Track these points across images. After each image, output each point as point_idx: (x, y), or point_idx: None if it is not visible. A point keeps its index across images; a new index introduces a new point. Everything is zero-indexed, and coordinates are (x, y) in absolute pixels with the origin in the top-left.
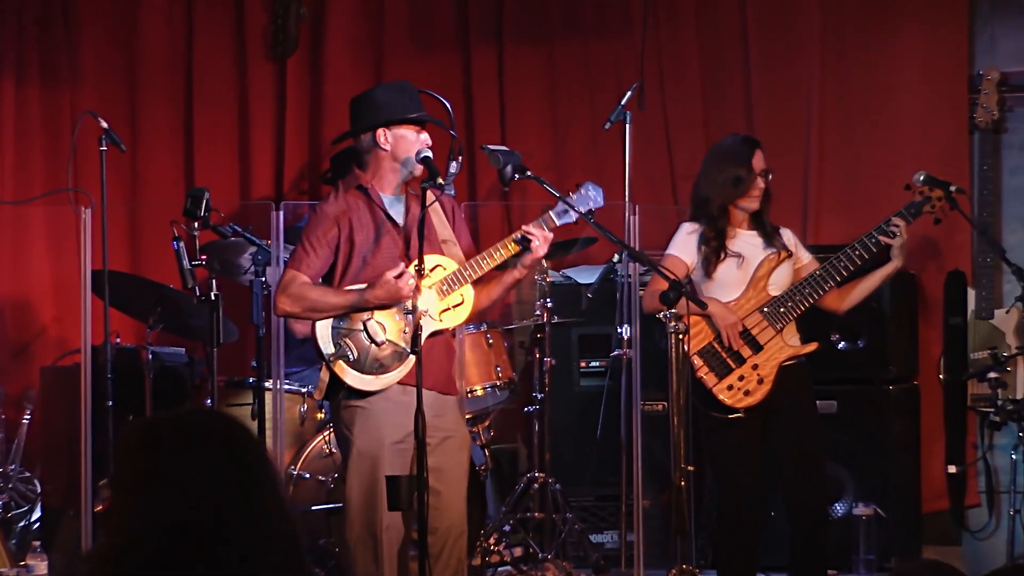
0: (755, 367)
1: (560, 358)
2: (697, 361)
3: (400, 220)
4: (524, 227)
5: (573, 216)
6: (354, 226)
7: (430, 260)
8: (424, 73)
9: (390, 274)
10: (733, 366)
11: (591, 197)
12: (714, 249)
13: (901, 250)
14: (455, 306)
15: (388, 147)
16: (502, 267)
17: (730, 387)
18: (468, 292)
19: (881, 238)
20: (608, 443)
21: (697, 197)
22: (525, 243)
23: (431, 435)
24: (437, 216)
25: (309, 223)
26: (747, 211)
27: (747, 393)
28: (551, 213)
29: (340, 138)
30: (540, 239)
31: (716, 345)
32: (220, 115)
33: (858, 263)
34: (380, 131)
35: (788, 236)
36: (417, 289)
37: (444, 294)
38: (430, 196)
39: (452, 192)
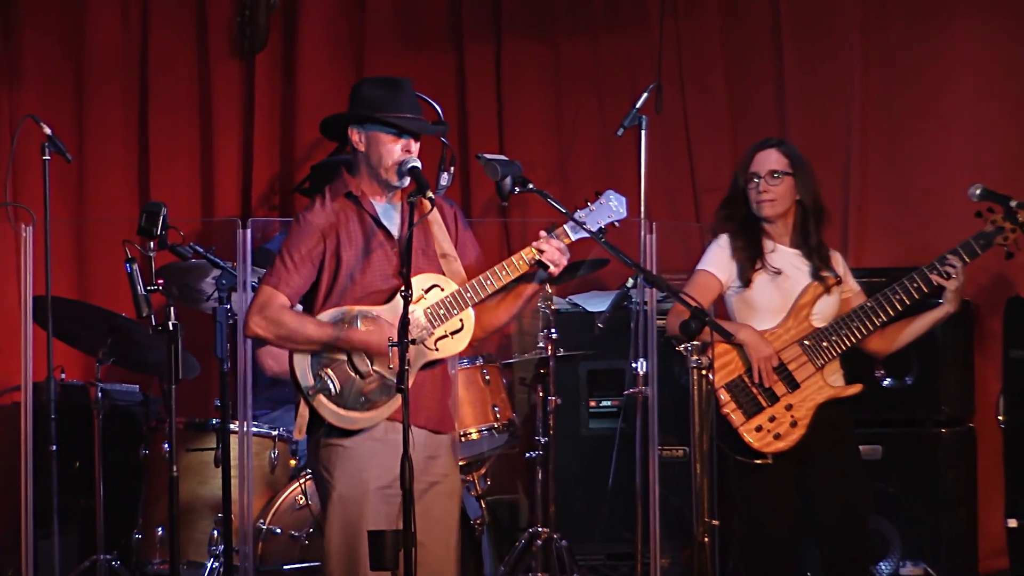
0: (789, 407)
1: (566, 397)
2: (724, 396)
3: (395, 231)
4: (535, 243)
5: (591, 229)
6: (342, 239)
7: (426, 279)
8: (412, 71)
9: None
10: (764, 404)
11: (612, 208)
12: (749, 258)
13: (956, 294)
14: (453, 333)
15: (362, 148)
16: (514, 283)
17: (759, 428)
18: (468, 317)
19: (934, 277)
20: (621, 493)
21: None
22: (540, 263)
23: (418, 479)
24: (437, 226)
25: (291, 233)
26: (759, 217)
27: (777, 437)
28: (566, 228)
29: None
30: (555, 253)
31: (746, 379)
32: (179, 120)
33: (916, 297)
34: (352, 129)
35: (838, 260)
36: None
37: (441, 319)
38: (427, 205)
39: None
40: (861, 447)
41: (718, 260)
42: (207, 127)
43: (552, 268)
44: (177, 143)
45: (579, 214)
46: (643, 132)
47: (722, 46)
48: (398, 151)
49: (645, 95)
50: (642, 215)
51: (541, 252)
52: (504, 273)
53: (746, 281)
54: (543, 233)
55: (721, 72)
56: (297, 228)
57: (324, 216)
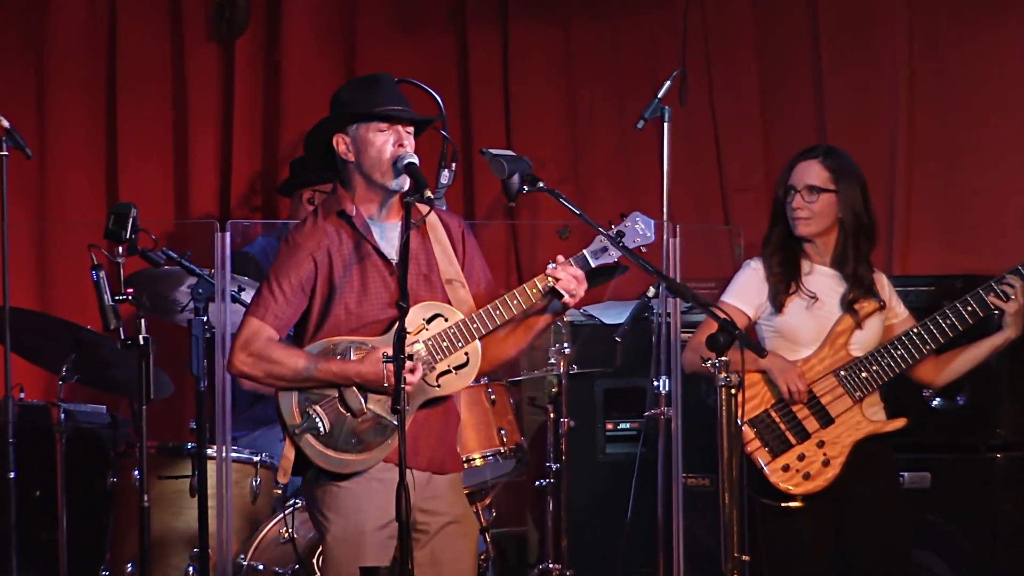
0: (821, 445)
1: (581, 418)
2: (748, 433)
3: (393, 255)
4: (549, 270)
5: (614, 256)
6: (335, 263)
7: (428, 308)
8: (409, 58)
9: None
10: (793, 442)
11: (638, 232)
12: (783, 280)
13: (1017, 318)
14: (457, 368)
15: (351, 157)
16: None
17: (786, 467)
18: (475, 351)
19: (991, 299)
20: (641, 526)
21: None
22: (555, 293)
23: (427, 519)
24: (440, 246)
25: (279, 257)
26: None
27: (807, 477)
28: (586, 253)
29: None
30: (571, 282)
31: (774, 414)
32: (151, 111)
33: (970, 322)
34: (337, 137)
35: (884, 284)
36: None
37: (444, 352)
38: (422, 212)
39: (443, 208)
40: (907, 474)
41: (745, 289)
42: (181, 119)
43: (568, 298)
44: (148, 137)
45: (600, 239)
46: (666, 125)
47: (754, 30)
48: (390, 146)
49: (668, 84)
50: (664, 217)
51: (556, 280)
52: (515, 302)
53: (778, 306)
54: (560, 258)
55: (753, 59)
56: (286, 251)
57: (315, 237)
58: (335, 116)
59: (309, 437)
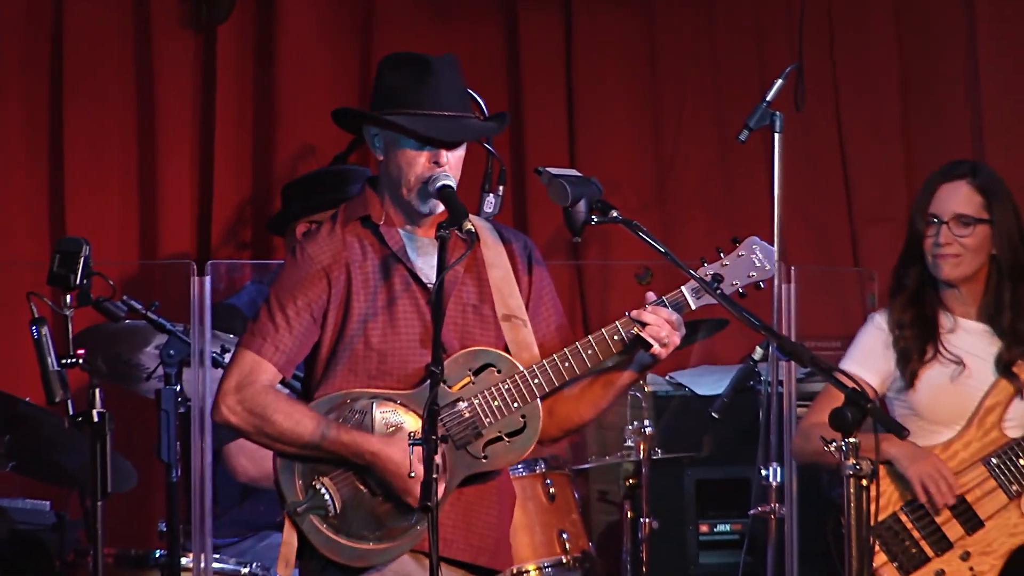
0: (966, 556)
1: (667, 518)
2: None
3: (432, 277)
4: (634, 312)
5: (725, 291)
6: (354, 284)
7: (476, 356)
8: (443, 51)
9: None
10: (930, 554)
11: (755, 263)
12: (917, 344)
13: None
14: (511, 435)
15: (380, 156)
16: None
17: None
18: (534, 414)
19: None
20: None
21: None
22: (642, 341)
23: None
24: (500, 271)
25: (283, 273)
26: (937, 279)
27: None
28: (684, 291)
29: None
30: (663, 328)
31: (904, 518)
32: (108, 120)
33: None
34: (367, 127)
35: None
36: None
37: (495, 415)
38: (471, 232)
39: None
40: None
41: (868, 354)
42: (148, 130)
43: (657, 348)
44: (105, 154)
45: (708, 269)
46: (777, 136)
47: (893, 15)
48: (422, 163)
49: (780, 83)
50: (775, 256)
51: (643, 326)
52: (589, 353)
53: (911, 377)
54: (650, 296)
55: (892, 53)
56: (292, 266)
57: (331, 248)
58: (359, 112)
59: (314, 519)
